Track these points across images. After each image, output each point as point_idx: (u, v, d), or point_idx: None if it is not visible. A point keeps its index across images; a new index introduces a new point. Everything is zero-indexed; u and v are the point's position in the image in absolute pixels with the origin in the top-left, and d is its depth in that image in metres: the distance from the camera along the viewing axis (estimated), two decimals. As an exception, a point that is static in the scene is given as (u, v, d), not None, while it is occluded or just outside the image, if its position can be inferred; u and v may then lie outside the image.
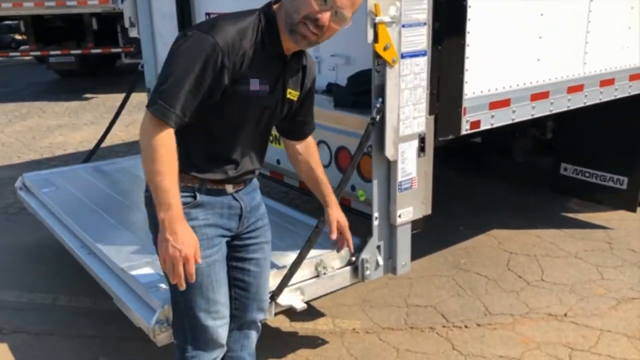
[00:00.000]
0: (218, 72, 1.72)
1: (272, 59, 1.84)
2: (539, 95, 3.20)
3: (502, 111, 3.04)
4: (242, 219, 2.02)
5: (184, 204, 1.83)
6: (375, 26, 2.41)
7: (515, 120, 3.13)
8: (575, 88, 3.38)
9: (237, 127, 1.88)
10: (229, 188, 1.95)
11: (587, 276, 3.63)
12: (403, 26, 2.51)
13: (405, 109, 2.62)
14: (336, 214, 2.22)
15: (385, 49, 2.45)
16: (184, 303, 1.96)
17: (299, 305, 2.54)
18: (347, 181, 2.64)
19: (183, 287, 1.77)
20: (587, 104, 3.50)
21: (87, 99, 10.11)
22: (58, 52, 10.21)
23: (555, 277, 3.63)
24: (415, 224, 2.91)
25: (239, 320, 2.14)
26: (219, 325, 2.01)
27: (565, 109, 3.39)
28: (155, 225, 1.86)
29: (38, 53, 10.41)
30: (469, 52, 2.78)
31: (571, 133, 4.49)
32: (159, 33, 4.51)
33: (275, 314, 2.54)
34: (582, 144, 4.48)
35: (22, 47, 11.26)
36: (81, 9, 9.48)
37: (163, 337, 2.27)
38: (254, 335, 2.22)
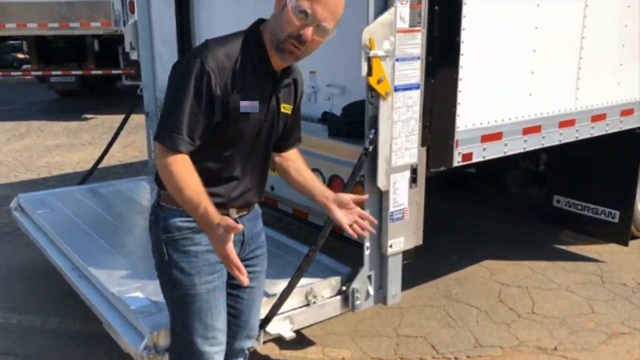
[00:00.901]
0: (212, 90, 1.77)
1: (262, 77, 1.89)
2: (531, 129, 3.24)
3: (494, 144, 3.08)
4: (243, 245, 2.05)
5: (188, 229, 1.88)
6: (369, 60, 2.46)
7: (507, 154, 3.17)
8: (567, 123, 3.43)
9: (237, 146, 1.91)
10: (233, 213, 1.98)
11: (578, 309, 3.64)
12: (397, 60, 2.56)
13: (397, 140, 2.65)
14: (338, 210, 2.08)
15: (378, 81, 2.50)
16: (182, 327, 1.98)
17: (288, 334, 2.54)
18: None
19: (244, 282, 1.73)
20: (579, 138, 3.55)
21: (86, 119, 10.17)
22: (59, 73, 10.31)
23: (546, 309, 3.63)
24: (406, 254, 2.93)
25: (227, 347, 2.14)
26: (216, 352, 2.02)
27: (557, 142, 3.43)
28: (159, 251, 1.92)
29: (39, 73, 10.52)
30: (461, 85, 2.83)
31: (563, 165, 4.53)
32: (158, 57, 4.57)
33: (264, 342, 2.54)
34: (574, 177, 4.52)
35: (24, 67, 11.34)
36: (84, 31, 9.60)
37: (149, 366, 2.26)
38: None
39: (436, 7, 2.64)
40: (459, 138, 2.91)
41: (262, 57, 1.86)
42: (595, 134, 3.64)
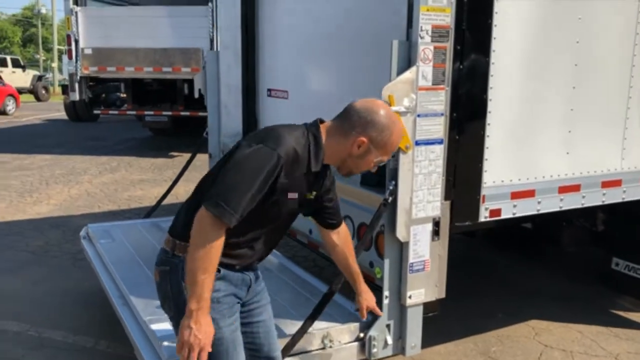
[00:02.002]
0: (276, 182, 1.96)
1: (311, 174, 2.08)
2: (568, 188, 3.19)
3: (525, 201, 3.07)
4: (250, 289, 2.22)
5: None
6: (389, 115, 2.57)
7: (541, 211, 3.14)
8: (612, 183, 3.35)
9: (265, 224, 2.11)
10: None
11: (623, 380, 3.45)
12: (419, 116, 2.66)
13: (418, 192, 2.73)
14: (366, 300, 2.51)
15: (398, 136, 2.60)
16: None
17: (299, 375, 2.63)
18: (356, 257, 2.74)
19: None
20: (626, 199, 3.44)
21: (172, 156, 10.84)
22: (151, 112, 11.10)
23: (588, 377, 3.48)
24: (430, 306, 2.96)
25: None
26: None
27: (600, 203, 3.35)
28: (180, 301, 2.04)
29: (134, 112, 11.37)
30: (489, 142, 2.87)
31: (623, 226, 4.34)
32: (224, 104, 4.89)
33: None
34: (635, 239, 4.32)
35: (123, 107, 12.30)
36: (175, 75, 10.35)
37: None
38: None
39: (461, 66, 2.73)
40: (486, 194, 2.93)
41: (318, 162, 2.06)
42: (647, 195, 3.51)
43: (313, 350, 2.74)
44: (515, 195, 3.03)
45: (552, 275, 5.02)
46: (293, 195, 2.05)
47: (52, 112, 20.53)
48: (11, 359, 3.56)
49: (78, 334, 3.87)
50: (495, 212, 2.99)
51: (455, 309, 4.30)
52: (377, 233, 2.89)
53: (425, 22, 2.59)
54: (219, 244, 1.92)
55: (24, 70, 26.71)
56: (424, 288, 2.84)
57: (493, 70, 2.82)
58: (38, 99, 26.68)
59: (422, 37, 2.59)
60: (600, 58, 3.16)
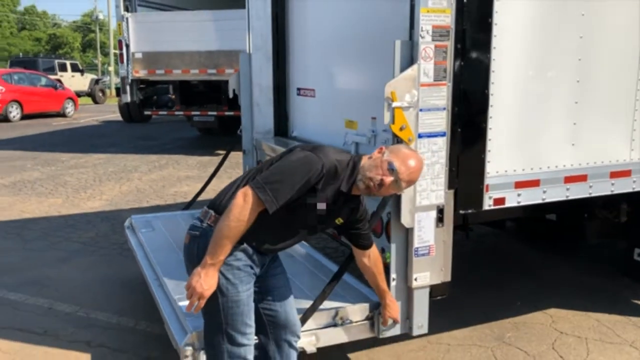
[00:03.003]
0: (315, 185, 2.30)
1: (341, 193, 2.39)
2: (575, 178, 3.31)
3: (530, 190, 3.21)
4: (264, 266, 2.55)
5: (234, 248, 2.34)
6: (392, 110, 2.79)
7: (547, 200, 3.27)
8: (621, 173, 3.44)
9: (294, 225, 2.45)
10: None
11: (635, 365, 3.54)
12: (421, 110, 2.85)
13: (422, 182, 2.92)
14: (389, 312, 2.92)
15: (401, 129, 2.81)
16: (226, 327, 2.43)
17: (310, 349, 2.87)
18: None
19: (190, 310, 2.30)
20: (637, 189, 3.52)
21: (217, 154, 11.27)
22: (198, 113, 11.57)
23: (599, 362, 3.58)
24: (439, 290, 3.14)
25: (277, 346, 2.61)
26: (250, 344, 2.50)
27: (609, 192, 3.45)
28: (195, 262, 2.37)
29: (181, 113, 11.87)
30: (491, 134, 3.03)
31: (646, 217, 4.39)
32: (256, 104, 5.18)
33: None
34: (658, 230, 4.35)
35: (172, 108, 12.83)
36: (219, 77, 10.76)
37: (190, 360, 2.72)
38: (293, 354, 2.66)
39: (462, 63, 2.90)
40: (490, 183, 3.09)
41: (348, 183, 2.39)
42: (659, 186, 3.58)
43: (325, 327, 2.97)
44: (520, 185, 3.18)
45: (576, 266, 5.09)
46: (322, 205, 2.36)
47: (108, 113, 21.48)
48: (62, 335, 3.95)
49: (121, 315, 4.23)
50: (499, 201, 3.15)
51: (476, 297, 4.47)
52: (387, 221, 3.10)
53: (426, 22, 2.78)
54: (250, 221, 2.25)
55: (82, 75, 27.97)
56: (429, 271, 3.03)
57: (494, 66, 2.98)
58: (95, 101, 27.90)
59: (422, 37, 2.79)
60: (605, 50, 3.25)
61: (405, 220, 2.92)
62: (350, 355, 3.63)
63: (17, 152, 11.86)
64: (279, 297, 2.60)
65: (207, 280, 2.27)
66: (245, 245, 2.38)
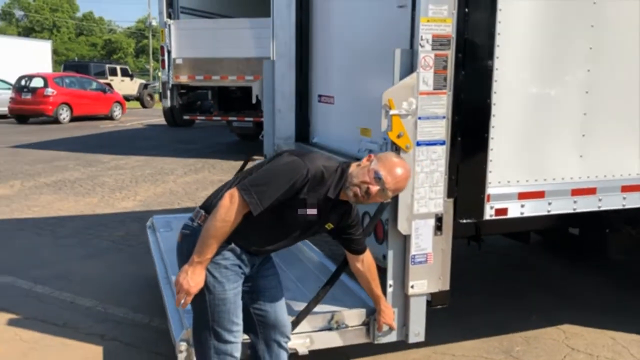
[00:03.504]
0: (299, 190, 2.36)
1: (328, 199, 2.45)
2: (583, 191, 3.26)
3: (534, 202, 3.17)
4: (254, 266, 2.61)
5: (222, 247, 2.42)
6: (389, 117, 2.82)
7: (552, 212, 3.23)
8: (633, 187, 3.36)
9: (281, 229, 2.51)
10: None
11: (645, 386, 3.43)
12: (419, 118, 2.87)
13: (420, 189, 2.93)
14: (384, 318, 2.95)
15: (398, 136, 2.83)
16: (213, 324, 2.51)
17: (302, 351, 2.92)
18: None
19: (178, 306, 2.41)
20: (651, 204, 3.43)
21: (253, 159, 11.39)
22: (235, 118, 11.79)
23: (608, 380, 3.49)
24: (438, 298, 3.14)
25: (266, 346, 2.68)
26: (238, 342, 2.56)
27: (621, 207, 3.37)
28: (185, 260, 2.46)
29: (219, 118, 12.12)
30: (493, 144, 3.02)
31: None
32: (278, 110, 5.27)
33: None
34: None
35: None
36: (256, 83, 10.92)
37: (183, 356, 2.80)
38: (283, 355, 2.72)
39: (463, 72, 2.91)
40: (491, 193, 3.08)
41: (335, 190, 2.45)
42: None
43: (320, 330, 3.01)
44: (523, 196, 3.14)
45: (599, 282, 4.96)
46: (312, 211, 2.43)
47: (154, 117, 22.08)
48: (80, 327, 4.11)
49: (137, 312, 4.37)
50: (502, 211, 3.12)
51: (492, 309, 4.43)
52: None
53: (426, 32, 2.80)
54: (235, 222, 2.32)
55: (131, 79, 28.85)
56: (427, 279, 3.03)
57: (497, 75, 2.97)
58: (144, 105, 28.71)
59: (422, 46, 2.81)
60: (616, 61, 3.20)
61: (402, 227, 2.94)
62: (352, 356, 3.65)
63: (62, 153, 12.33)
64: (270, 298, 2.65)
65: (193, 278, 2.35)
66: (233, 245, 2.45)
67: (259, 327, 2.65)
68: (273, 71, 5.20)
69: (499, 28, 2.93)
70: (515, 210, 3.15)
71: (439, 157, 2.94)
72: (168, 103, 11.39)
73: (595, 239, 4.77)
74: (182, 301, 2.39)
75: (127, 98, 26.42)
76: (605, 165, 3.28)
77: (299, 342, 2.94)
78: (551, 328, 4.17)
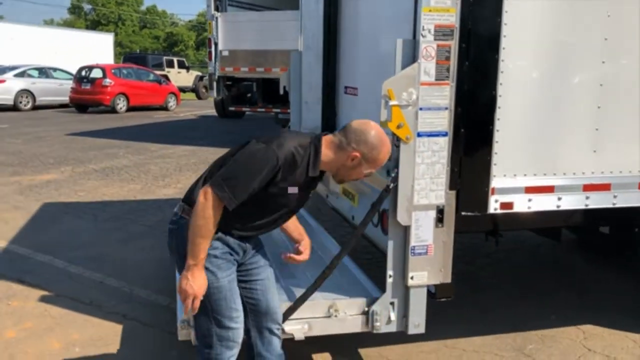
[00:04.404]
0: (271, 178, 2.39)
1: (311, 178, 2.50)
2: (596, 187, 3.16)
3: (542, 196, 3.10)
4: (245, 252, 2.64)
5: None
6: (389, 108, 2.82)
7: (562, 208, 3.15)
8: (651, 184, 3.23)
9: (266, 213, 2.55)
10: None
11: (661, 391, 3.31)
12: (421, 109, 2.85)
13: (420, 181, 2.92)
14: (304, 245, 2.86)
15: (398, 127, 2.83)
16: (212, 312, 2.56)
17: (298, 336, 2.97)
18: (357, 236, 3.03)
19: (187, 313, 2.49)
20: (672, 202, 3.29)
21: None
22: (279, 110, 11.92)
23: (621, 383, 3.38)
24: (442, 291, 3.12)
25: (258, 332, 2.72)
26: (240, 327, 2.61)
27: (637, 204, 3.25)
28: (183, 254, 2.46)
29: (263, 110, 12.28)
30: (498, 137, 2.97)
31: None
32: (305, 101, 5.32)
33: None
34: None
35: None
36: (300, 75, 11.01)
37: (183, 334, 2.90)
38: (275, 341, 2.76)
39: (466, 63, 2.87)
40: (496, 186, 3.03)
41: (315, 168, 2.48)
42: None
43: (318, 317, 3.05)
44: (531, 190, 3.08)
45: (628, 283, 4.78)
46: (293, 189, 2.46)
47: (207, 109, 22.53)
48: (104, 306, 4.31)
49: (160, 294, 4.53)
50: (507, 205, 3.07)
51: (511, 306, 4.37)
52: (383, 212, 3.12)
53: (428, 21, 2.78)
54: (216, 218, 2.36)
55: (188, 71, 29.52)
56: (427, 271, 3.02)
57: (503, 67, 2.91)
58: (199, 97, 29.33)
59: (424, 36, 2.79)
60: (634, 53, 3.08)
61: (401, 218, 2.93)
62: (360, 350, 3.68)
63: (114, 141, 12.80)
64: (261, 287, 2.68)
65: (196, 281, 2.37)
66: (220, 234, 2.48)
67: (251, 315, 2.68)
68: (300, 62, 5.25)
69: (505, 18, 2.87)
70: (521, 204, 3.09)
71: (440, 148, 2.92)
72: (214, 94, 11.63)
73: (626, 238, 4.61)
74: (192, 306, 2.42)
75: (183, 89, 27.08)
76: (621, 160, 3.17)
77: (296, 327, 2.99)
78: (570, 328, 4.07)
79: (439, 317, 4.03)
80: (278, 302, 2.78)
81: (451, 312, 4.17)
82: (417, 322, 3.08)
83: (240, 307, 2.61)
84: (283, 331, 2.95)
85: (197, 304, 2.42)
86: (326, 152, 2.49)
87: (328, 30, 5.12)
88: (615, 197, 3.20)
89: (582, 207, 3.17)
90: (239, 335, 2.61)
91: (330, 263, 2.98)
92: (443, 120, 2.90)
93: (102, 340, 3.82)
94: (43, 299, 4.44)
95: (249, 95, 13.71)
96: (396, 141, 2.89)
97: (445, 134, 2.91)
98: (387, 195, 2.94)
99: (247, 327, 2.71)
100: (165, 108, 21.71)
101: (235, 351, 2.60)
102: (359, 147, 2.46)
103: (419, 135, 2.88)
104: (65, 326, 4.00)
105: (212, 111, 20.14)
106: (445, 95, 2.87)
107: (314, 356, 3.62)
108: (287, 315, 2.94)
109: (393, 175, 2.92)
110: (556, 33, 2.98)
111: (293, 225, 2.82)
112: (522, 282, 4.92)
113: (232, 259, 2.56)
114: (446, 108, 2.89)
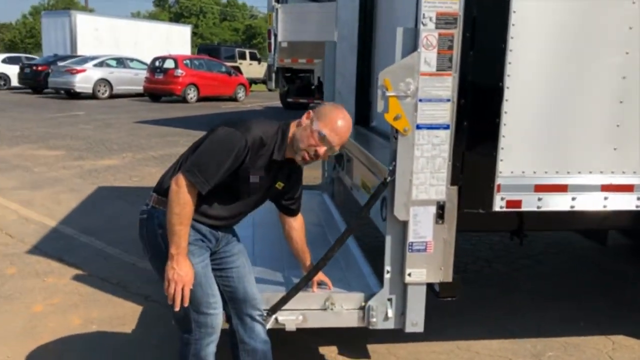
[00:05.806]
0: (242, 162, 2.41)
1: (274, 162, 2.50)
2: (616, 188, 2.94)
3: (554, 196, 2.92)
4: (218, 240, 2.63)
5: None
6: (386, 98, 2.73)
7: (576, 209, 2.95)
8: (682, 187, 2.97)
9: (234, 198, 2.55)
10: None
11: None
12: (420, 100, 2.75)
13: (420, 175, 2.82)
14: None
15: (395, 118, 2.74)
16: (192, 299, 2.58)
17: (290, 327, 2.94)
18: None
19: (178, 307, 2.41)
20: None
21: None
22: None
23: (642, 399, 3.15)
24: (446, 290, 3.01)
25: (239, 319, 2.72)
26: (217, 313, 2.61)
27: (667, 208, 3.00)
28: (155, 244, 2.50)
29: (319, 101, 12.26)
30: (505, 131, 2.82)
31: None
32: (338, 92, 5.27)
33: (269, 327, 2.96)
34: None
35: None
36: (356, 67, 10.94)
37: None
38: (258, 327, 2.74)
39: (471, 53, 2.74)
40: (502, 183, 2.88)
41: (281, 153, 2.49)
42: None
43: (313, 309, 3.02)
44: (541, 188, 2.90)
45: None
46: (254, 178, 2.46)
47: (275, 100, 22.81)
48: (130, 287, 4.46)
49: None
50: (514, 203, 2.91)
51: (539, 310, 4.16)
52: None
53: (429, 9, 2.67)
54: (192, 203, 2.36)
55: (259, 63, 30.01)
56: (425, 269, 2.91)
57: (511, 57, 2.76)
58: (269, 88, 29.76)
59: (424, 24, 2.68)
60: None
61: (397, 212, 2.84)
62: (369, 347, 3.62)
63: (178, 129, 13.21)
64: (237, 275, 2.67)
65: (182, 268, 2.36)
66: (194, 223, 2.46)
67: (230, 303, 2.67)
68: (334, 53, 5.20)
69: (514, 5, 2.72)
70: (530, 203, 2.92)
71: (442, 141, 2.80)
72: (273, 85, 11.74)
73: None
74: (182, 293, 2.39)
75: (254, 81, 27.58)
76: (644, 159, 2.93)
77: (290, 318, 2.96)
78: (599, 337, 3.82)
79: (456, 318, 3.93)
80: (256, 288, 2.74)
81: (472, 314, 4.04)
82: (415, 321, 2.98)
83: (217, 292, 2.59)
84: (276, 320, 2.95)
85: (187, 291, 2.40)
86: (293, 132, 2.52)
87: (363, 20, 5.04)
88: (639, 199, 2.97)
89: (600, 208, 2.96)
90: (217, 320, 2.59)
91: (324, 255, 2.93)
92: (445, 113, 2.78)
93: (120, 319, 3.95)
94: (76, 278, 4.65)
95: (313, 87, 13.75)
96: (395, 133, 2.80)
97: (446, 127, 2.79)
98: (385, 188, 2.85)
99: (228, 314, 2.71)
100: (234, 99, 22.18)
101: (215, 337, 2.60)
102: (313, 109, 2.53)
103: (418, 127, 2.77)
104: (89, 304, 4.17)
105: (279, 102, 20.44)
106: (447, 86, 2.75)
107: (320, 349, 3.59)
108: (279, 306, 2.92)
109: (391, 168, 2.83)
110: (572, 17, 2.78)
111: (301, 248, 2.94)
112: (557, 285, 4.68)
113: (204, 245, 2.53)
114: (448, 100, 2.77)
